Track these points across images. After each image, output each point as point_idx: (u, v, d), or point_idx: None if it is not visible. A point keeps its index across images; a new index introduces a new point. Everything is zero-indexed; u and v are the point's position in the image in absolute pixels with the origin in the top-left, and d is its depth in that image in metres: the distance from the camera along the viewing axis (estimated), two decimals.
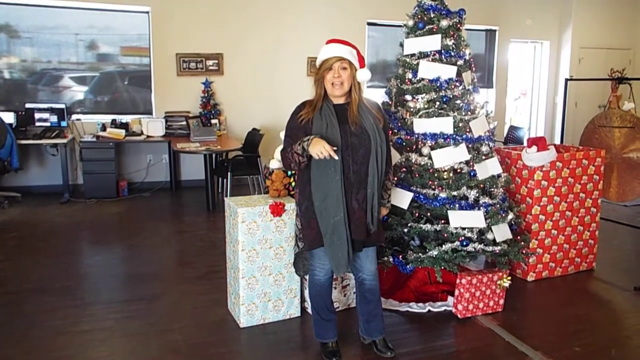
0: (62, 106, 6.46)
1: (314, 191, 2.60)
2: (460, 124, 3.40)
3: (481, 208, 3.35)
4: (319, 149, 2.41)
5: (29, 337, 3.07)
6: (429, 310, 3.46)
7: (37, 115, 6.35)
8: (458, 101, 3.43)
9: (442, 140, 3.37)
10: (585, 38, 9.02)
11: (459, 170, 3.43)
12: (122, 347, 3.00)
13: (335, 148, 2.44)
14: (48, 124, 6.36)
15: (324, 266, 2.75)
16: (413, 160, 3.42)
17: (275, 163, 3.57)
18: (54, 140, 6.19)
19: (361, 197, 2.61)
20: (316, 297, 2.85)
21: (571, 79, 5.51)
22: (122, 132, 6.45)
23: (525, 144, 4.62)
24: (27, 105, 6.38)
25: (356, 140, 2.58)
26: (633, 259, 4.65)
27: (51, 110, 6.40)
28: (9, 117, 6.16)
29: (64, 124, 6.42)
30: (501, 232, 3.42)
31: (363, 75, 2.63)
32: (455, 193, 3.36)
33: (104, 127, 6.57)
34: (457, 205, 3.33)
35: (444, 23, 3.45)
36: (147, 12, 6.87)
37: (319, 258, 2.74)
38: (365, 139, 2.59)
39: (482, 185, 3.44)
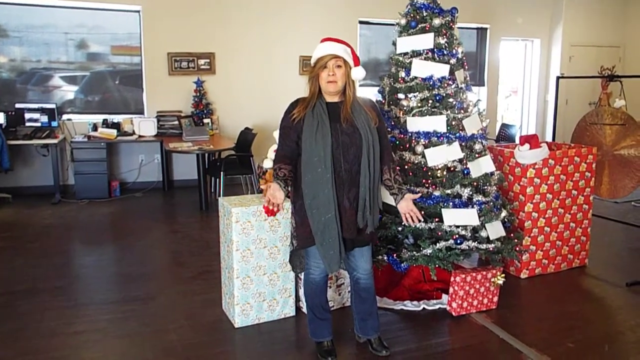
0: (53, 106, 6.41)
1: (304, 189, 2.61)
2: (454, 122, 3.41)
3: (475, 206, 3.36)
4: (269, 197, 2.55)
5: (22, 338, 3.05)
6: (424, 309, 3.47)
7: (27, 116, 6.29)
8: (451, 99, 3.44)
9: (436, 138, 3.37)
10: (576, 36, 9.07)
11: (452, 169, 3.44)
12: (117, 348, 2.98)
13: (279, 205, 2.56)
14: (38, 124, 6.31)
15: (319, 265, 2.74)
16: (407, 159, 3.42)
17: (268, 162, 3.56)
18: (45, 140, 6.14)
19: (352, 196, 2.61)
20: (311, 295, 2.85)
21: (562, 77, 5.55)
22: (114, 132, 6.42)
23: (517, 141, 4.64)
24: (17, 105, 6.32)
25: (347, 138, 2.58)
26: (625, 256, 4.69)
27: (41, 110, 6.34)
28: None
29: (54, 124, 6.37)
30: (495, 230, 3.43)
31: (357, 73, 2.64)
32: (449, 191, 3.37)
33: (95, 127, 6.52)
34: (450, 203, 3.34)
35: (437, 21, 3.45)
36: (138, 11, 6.83)
37: (314, 257, 2.74)
38: (356, 138, 2.59)
39: (475, 183, 3.45)
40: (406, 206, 2.72)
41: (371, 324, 2.92)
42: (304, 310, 3.37)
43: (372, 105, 2.75)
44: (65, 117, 6.72)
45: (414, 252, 3.30)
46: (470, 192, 3.39)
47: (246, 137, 6.41)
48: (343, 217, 2.61)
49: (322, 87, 2.63)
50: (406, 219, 2.74)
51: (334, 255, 2.61)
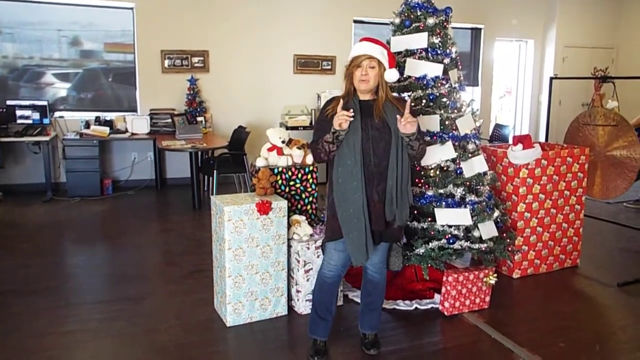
0: (45, 103, 6.36)
1: (334, 181, 2.66)
2: (447, 122, 3.41)
3: (467, 206, 3.37)
4: (337, 119, 2.52)
5: (13, 338, 3.02)
6: (416, 308, 3.47)
7: (18, 113, 6.24)
8: (444, 99, 3.44)
9: (429, 138, 3.37)
10: (569, 37, 9.11)
11: (445, 168, 3.44)
12: (108, 348, 2.96)
13: (352, 113, 2.52)
14: (30, 121, 6.25)
15: (331, 262, 2.76)
16: None
17: (261, 161, 3.56)
18: (36, 137, 6.09)
19: (381, 190, 2.64)
20: (318, 292, 2.85)
21: (556, 78, 5.56)
22: (106, 129, 6.37)
23: (510, 141, 4.65)
24: (9, 102, 6.26)
25: (377, 133, 2.61)
26: (616, 256, 4.71)
27: (33, 107, 6.29)
28: None
29: (46, 121, 6.32)
30: (487, 230, 3.44)
31: (390, 75, 2.66)
32: (441, 191, 3.37)
33: (87, 125, 6.48)
34: (443, 203, 3.34)
35: (431, 21, 3.45)
36: (132, 9, 6.79)
37: (330, 254, 2.76)
38: (386, 133, 2.62)
39: (468, 183, 3.46)
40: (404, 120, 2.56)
41: (369, 319, 2.94)
42: (296, 309, 3.37)
43: (405, 104, 2.74)
44: (57, 114, 6.67)
45: (407, 252, 3.30)
46: (463, 192, 3.39)
47: (239, 136, 6.39)
48: (372, 210, 2.64)
49: (356, 85, 2.67)
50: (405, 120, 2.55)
51: (360, 247, 2.63)
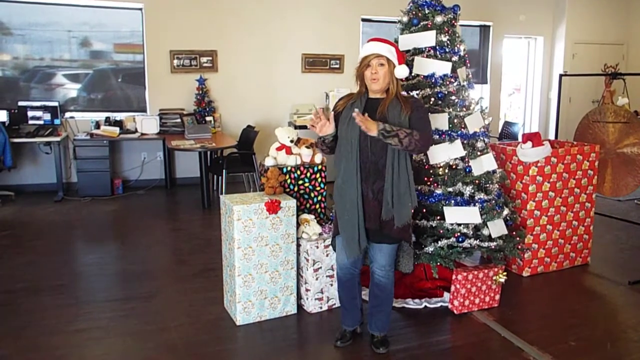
0: (56, 104, 6.41)
1: (336, 177, 2.74)
2: (456, 120, 3.40)
3: (477, 204, 3.36)
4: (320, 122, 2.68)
5: (23, 336, 3.06)
6: (425, 306, 3.47)
7: (30, 113, 6.30)
8: (453, 97, 3.43)
9: (438, 136, 3.37)
10: (579, 33, 9.04)
11: (454, 167, 3.43)
12: (118, 346, 2.99)
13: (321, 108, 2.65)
14: (41, 122, 6.32)
15: (339, 258, 2.85)
16: None
17: (270, 160, 3.57)
18: (48, 138, 6.15)
19: (377, 188, 2.67)
20: (339, 287, 2.98)
21: (565, 75, 5.52)
22: (116, 129, 6.42)
23: (519, 139, 4.63)
24: (20, 103, 6.32)
25: None
26: (627, 254, 4.67)
27: (44, 108, 6.35)
28: (1, 115, 6.10)
29: (57, 121, 6.37)
30: (497, 228, 3.43)
31: (400, 71, 2.69)
32: (450, 189, 3.36)
33: (97, 125, 6.53)
34: (452, 201, 3.33)
35: (439, 19, 3.44)
36: (141, 9, 6.83)
37: (338, 250, 2.84)
38: None
39: (477, 181, 3.44)
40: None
41: (377, 321, 2.94)
42: (306, 307, 3.38)
43: (411, 101, 2.75)
44: (68, 114, 6.73)
45: (416, 250, 3.30)
46: (472, 190, 3.38)
47: (248, 135, 6.41)
48: (366, 207, 2.68)
49: (367, 84, 2.71)
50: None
51: (353, 241, 2.69)
